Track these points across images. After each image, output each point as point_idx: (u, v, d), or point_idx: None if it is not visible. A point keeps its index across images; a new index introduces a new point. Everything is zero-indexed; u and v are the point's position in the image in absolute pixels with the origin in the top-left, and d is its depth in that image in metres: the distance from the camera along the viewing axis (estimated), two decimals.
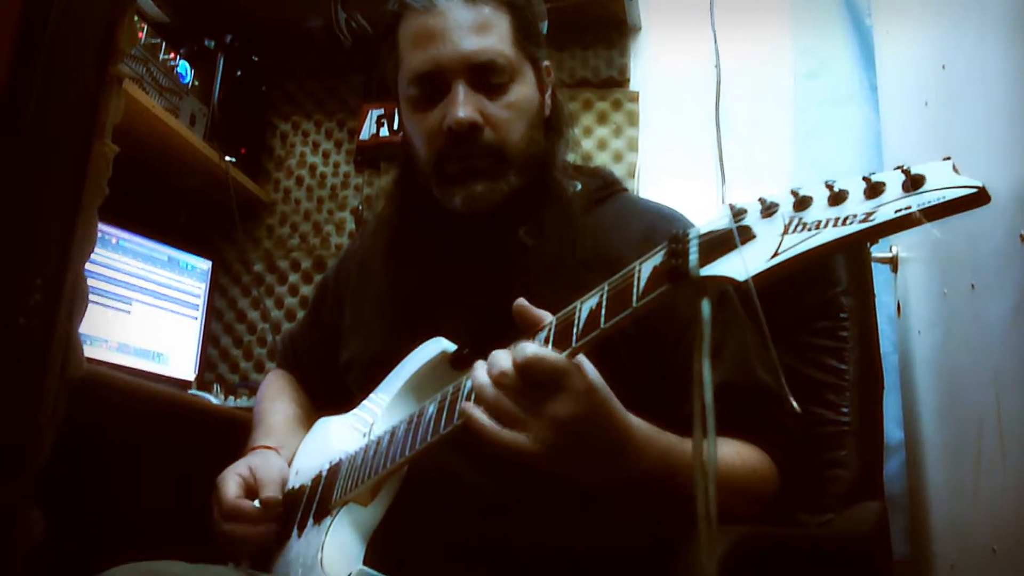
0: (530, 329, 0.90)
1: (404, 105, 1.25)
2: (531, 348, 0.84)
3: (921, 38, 1.66)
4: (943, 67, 1.44)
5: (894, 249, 1.84)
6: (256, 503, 1.12)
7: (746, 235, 0.69)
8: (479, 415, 0.85)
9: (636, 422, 0.91)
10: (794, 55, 2.24)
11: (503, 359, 0.85)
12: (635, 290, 0.78)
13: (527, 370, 0.83)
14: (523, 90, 1.21)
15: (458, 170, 1.19)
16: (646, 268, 0.79)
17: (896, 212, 0.61)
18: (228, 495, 1.13)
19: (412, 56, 1.20)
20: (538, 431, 0.83)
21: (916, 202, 0.61)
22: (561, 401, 0.83)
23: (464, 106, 1.16)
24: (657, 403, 1.00)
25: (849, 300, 1.38)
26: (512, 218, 1.21)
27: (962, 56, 1.36)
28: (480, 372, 0.87)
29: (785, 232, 0.67)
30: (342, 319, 1.39)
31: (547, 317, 0.89)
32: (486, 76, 1.18)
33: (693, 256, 0.72)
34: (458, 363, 1.11)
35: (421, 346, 1.16)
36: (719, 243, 0.71)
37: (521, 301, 0.91)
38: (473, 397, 0.90)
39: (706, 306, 0.70)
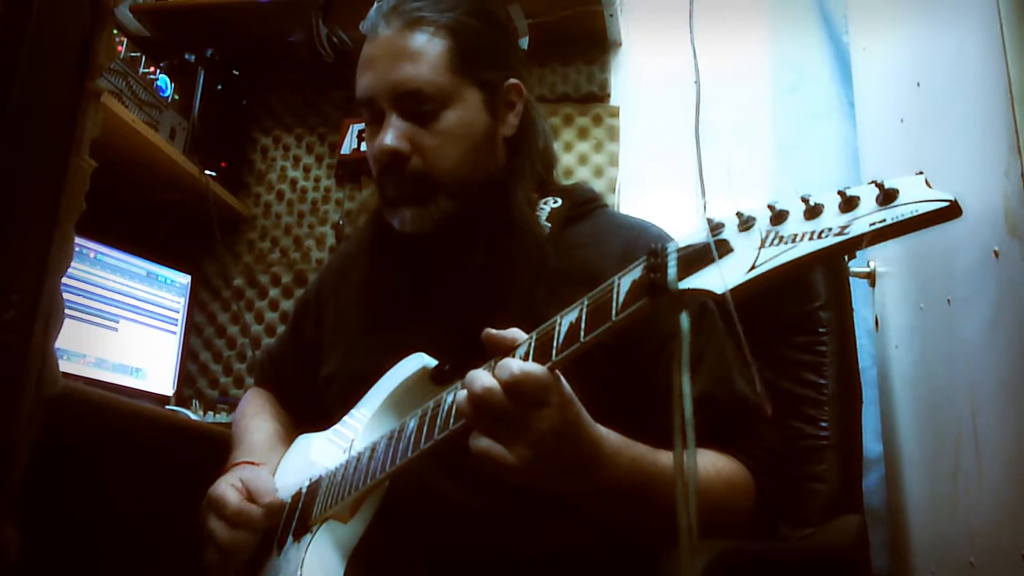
0: (504, 352, 0.89)
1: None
2: (516, 364, 0.83)
3: (897, 55, 1.68)
4: (918, 84, 1.46)
5: (872, 264, 1.85)
6: (260, 508, 1.11)
7: (724, 249, 0.70)
8: (479, 439, 0.85)
9: (605, 433, 0.92)
10: (773, 70, 2.27)
11: (485, 378, 0.85)
12: (615, 304, 0.79)
13: (515, 387, 0.82)
14: (459, 116, 1.20)
15: (392, 195, 1.22)
16: (625, 282, 0.79)
17: (870, 225, 0.63)
18: (233, 501, 1.11)
19: (357, 82, 1.23)
20: (520, 447, 0.83)
21: (890, 216, 0.62)
22: (544, 416, 0.83)
23: (388, 135, 1.18)
24: (636, 416, 1.00)
25: (828, 315, 1.39)
26: (468, 237, 1.21)
27: (937, 74, 1.38)
28: (463, 393, 0.87)
29: (762, 246, 0.68)
30: (322, 334, 1.38)
31: (520, 336, 0.90)
32: (414, 104, 1.18)
33: (672, 270, 0.73)
34: (439, 378, 1.11)
35: (402, 362, 1.16)
36: (697, 257, 0.72)
37: (488, 330, 0.91)
38: (455, 414, 0.90)
39: (685, 319, 0.71)
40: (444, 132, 1.19)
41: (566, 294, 0.89)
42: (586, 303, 0.84)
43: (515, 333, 0.90)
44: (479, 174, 1.22)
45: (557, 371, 0.85)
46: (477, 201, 1.22)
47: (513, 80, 1.27)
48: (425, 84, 1.17)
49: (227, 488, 1.13)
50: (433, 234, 1.21)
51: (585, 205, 1.31)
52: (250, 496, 1.13)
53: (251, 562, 1.12)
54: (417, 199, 1.19)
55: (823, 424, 1.33)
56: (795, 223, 0.67)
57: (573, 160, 2.29)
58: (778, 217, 0.68)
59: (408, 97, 1.18)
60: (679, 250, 0.74)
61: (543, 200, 1.27)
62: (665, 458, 0.96)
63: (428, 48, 1.18)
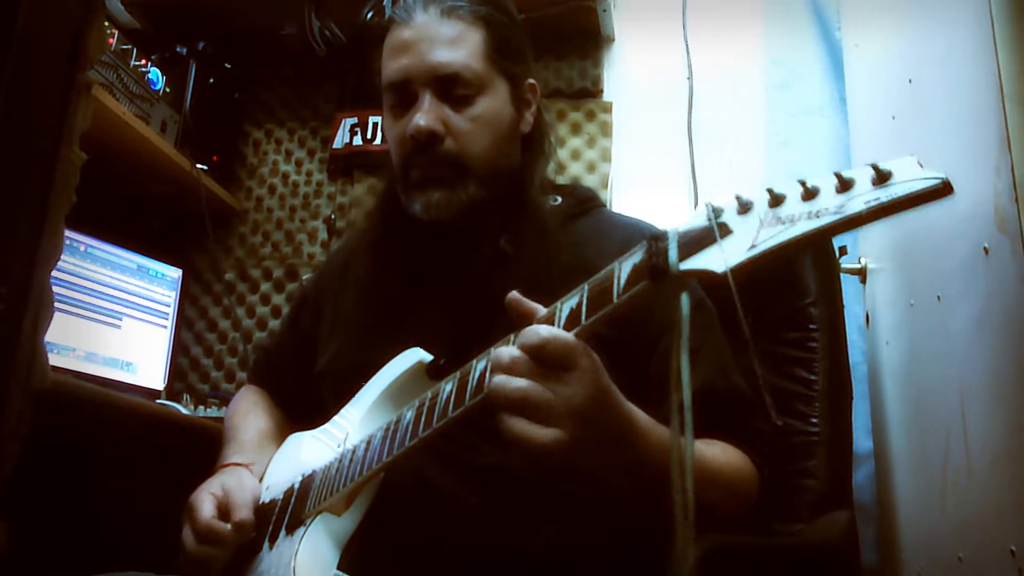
0: (521, 321, 0.87)
1: (384, 112, 1.29)
2: (544, 329, 0.81)
3: (889, 52, 1.68)
4: (910, 81, 1.47)
5: (863, 260, 1.86)
6: (229, 526, 1.09)
7: (724, 231, 0.72)
8: (513, 421, 0.80)
9: (635, 408, 0.91)
10: (765, 66, 2.27)
11: (509, 350, 0.82)
12: (616, 288, 0.79)
13: (541, 352, 0.80)
14: (491, 104, 1.23)
15: (419, 177, 1.22)
16: (626, 266, 0.80)
17: (866, 203, 0.64)
18: (203, 516, 1.10)
19: (387, 65, 1.25)
20: (556, 419, 0.80)
21: (884, 195, 0.64)
22: (576, 383, 0.80)
23: (425, 115, 1.19)
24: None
25: (818, 311, 1.39)
26: (484, 229, 1.22)
27: (929, 71, 1.39)
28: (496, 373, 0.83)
29: (761, 227, 0.69)
30: (320, 329, 1.38)
31: (540, 310, 0.88)
32: (451, 88, 1.21)
33: (672, 252, 0.74)
34: (435, 373, 1.11)
35: (397, 356, 1.16)
36: (698, 239, 0.73)
37: (515, 294, 0.89)
38: (486, 392, 0.85)
39: (686, 301, 0.72)
40: (477, 118, 1.22)
41: (564, 290, 0.88)
42: (587, 288, 0.84)
43: (537, 306, 0.88)
44: (504, 164, 1.25)
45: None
46: (501, 191, 1.24)
47: (531, 80, 1.31)
48: (463, 69, 1.21)
49: (205, 498, 1.12)
50: (454, 221, 1.21)
51: (583, 204, 1.33)
52: (225, 510, 1.11)
53: (234, 562, 1.11)
54: (447, 182, 1.21)
55: (813, 420, 1.34)
56: (793, 205, 0.69)
57: (566, 155, 2.28)
58: (776, 200, 0.70)
59: (446, 80, 1.21)
60: (680, 234, 0.75)
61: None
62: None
63: (466, 36, 1.23)
